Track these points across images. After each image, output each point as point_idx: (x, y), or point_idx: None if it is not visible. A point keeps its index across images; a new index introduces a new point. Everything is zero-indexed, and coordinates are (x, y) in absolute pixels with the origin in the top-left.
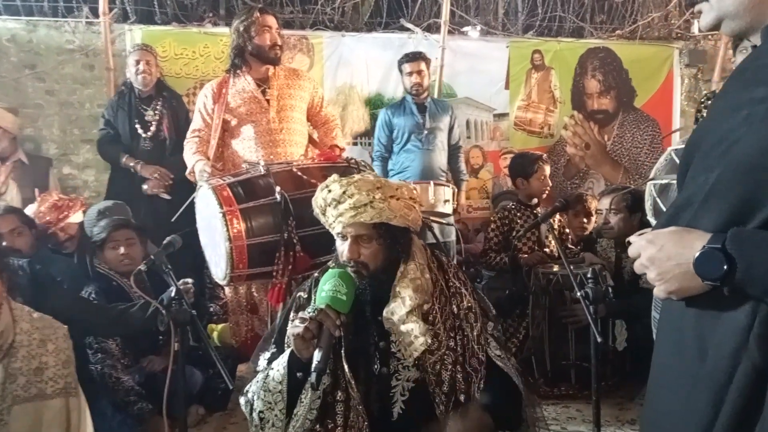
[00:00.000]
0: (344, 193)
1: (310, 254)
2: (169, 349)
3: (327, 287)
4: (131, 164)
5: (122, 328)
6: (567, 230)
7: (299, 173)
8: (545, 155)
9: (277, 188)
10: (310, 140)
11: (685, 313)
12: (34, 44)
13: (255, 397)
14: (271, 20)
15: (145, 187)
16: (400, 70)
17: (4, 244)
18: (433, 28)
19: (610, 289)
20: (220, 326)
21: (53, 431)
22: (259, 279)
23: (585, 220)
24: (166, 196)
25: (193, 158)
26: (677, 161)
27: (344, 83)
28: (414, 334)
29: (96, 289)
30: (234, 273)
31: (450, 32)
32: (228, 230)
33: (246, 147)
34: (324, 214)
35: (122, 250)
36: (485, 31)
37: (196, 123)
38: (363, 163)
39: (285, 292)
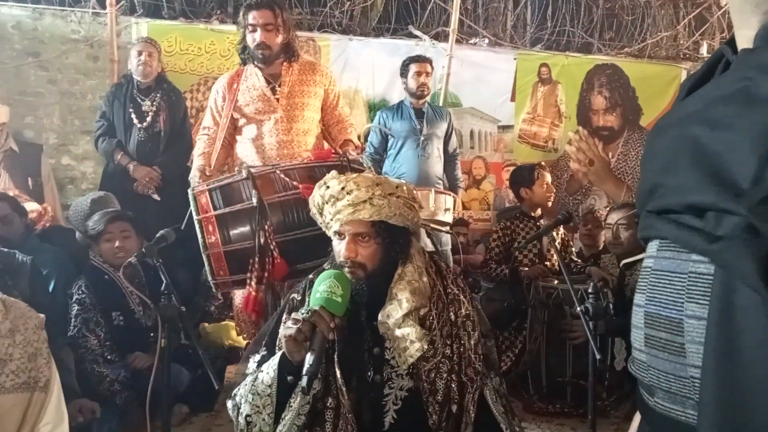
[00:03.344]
0: (342, 189)
1: (288, 261)
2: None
3: (322, 288)
4: (124, 163)
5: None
6: (571, 243)
7: (282, 175)
8: (542, 162)
9: (253, 192)
10: (324, 136)
11: None
12: (39, 32)
13: (243, 401)
14: (258, 17)
15: (135, 185)
16: (404, 72)
17: None
18: (441, 37)
19: (611, 306)
20: (213, 325)
21: (3, 426)
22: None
23: (593, 230)
24: (156, 197)
25: (197, 160)
26: None
27: (349, 87)
28: (410, 338)
29: (86, 282)
30: (216, 280)
31: (458, 41)
32: (204, 238)
33: (253, 147)
34: (321, 213)
35: (117, 243)
36: (493, 42)
37: (206, 120)
38: (360, 161)
39: (262, 301)
